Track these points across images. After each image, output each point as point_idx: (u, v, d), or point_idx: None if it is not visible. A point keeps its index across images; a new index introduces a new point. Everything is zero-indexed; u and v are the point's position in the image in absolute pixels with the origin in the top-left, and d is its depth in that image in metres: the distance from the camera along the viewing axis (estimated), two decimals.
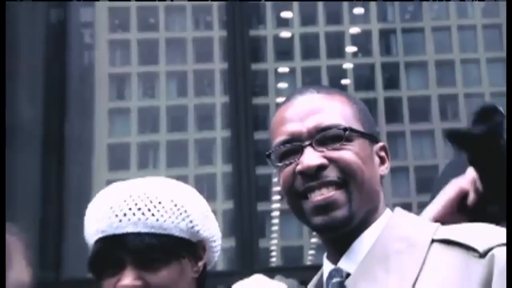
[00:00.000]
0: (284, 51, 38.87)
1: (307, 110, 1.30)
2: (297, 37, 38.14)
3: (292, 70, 37.65)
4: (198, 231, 1.53)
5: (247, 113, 5.59)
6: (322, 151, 1.26)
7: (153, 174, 1.81)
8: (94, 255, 1.49)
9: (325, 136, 1.26)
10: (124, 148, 36.56)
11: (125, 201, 1.46)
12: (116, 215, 1.44)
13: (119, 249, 1.43)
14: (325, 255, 1.38)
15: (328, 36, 38.48)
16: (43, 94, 20.62)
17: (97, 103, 30.60)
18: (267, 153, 1.38)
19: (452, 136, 1.58)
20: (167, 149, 37.45)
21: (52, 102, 20.67)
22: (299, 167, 1.26)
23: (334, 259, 1.33)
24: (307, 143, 1.27)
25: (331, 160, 1.25)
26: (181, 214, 1.49)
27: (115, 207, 1.46)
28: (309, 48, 38.87)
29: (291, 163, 1.28)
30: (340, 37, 38.48)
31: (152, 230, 1.42)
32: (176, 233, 1.46)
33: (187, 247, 1.50)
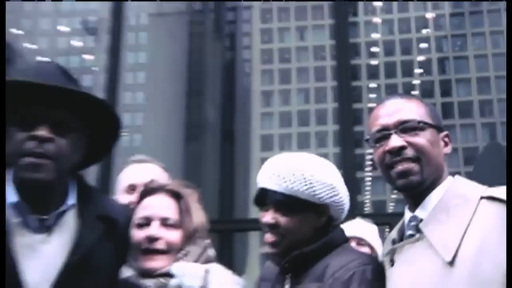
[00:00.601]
0: (373, 73, 52.65)
1: (393, 109, 1.77)
2: (382, 64, 52.14)
3: (379, 86, 51.60)
4: (319, 198, 1.88)
5: (349, 114, 6.61)
6: (403, 137, 1.70)
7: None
8: (254, 197, 2.04)
9: (405, 127, 1.71)
10: (269, 137, 51.83)
11: (274, 167, 1.96)
12: (268, 176, 1.94)
13: (265, 197, 1.94)
14: (406, 206, 1.86)
15: (403, 62, 51.90)
16: (221, 103, 34.28)
17: (253, 109, 45.77)
18: (365, 138, 1.87)
19: None
20: (298, 137, 52.59)
21: (226, 108, 34.06)
22: (387, 147, 1.70)
23: (412, 209, 1.80)
24: (393, 131, 1.71)
25: (409, 143, 1.70)
26: (306, 184, 1.87)
27: (269, 171, 1.96)
28: (390, 71, 52.40)
29: (382, 145, 1.73)
30: (411, 63, 52.05)
31: (284, 191, 1.87)
32: (302, 196, 1.87)
33: (310, 207, 1.89)
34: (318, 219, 1.89)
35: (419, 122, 1.70)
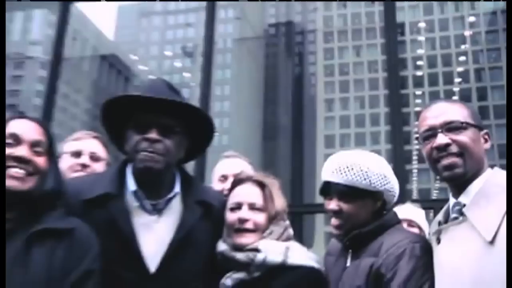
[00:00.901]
0: (418, 82, 55.90)
1: (439, 112, 1.85)
2: (426, 74, 55.50)
3: (423, 93, 54.87)
4: (374, 187, 2.03)
5: (398, 117, 6.63)
6: (448, 135, 1.78)
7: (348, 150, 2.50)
8: (320, 189, 2.19)
9: (450, 127, 1.79)
10: (332, 137, 56.39)
11: (336, 163, 2.12)
12: (331, 171, 2.10)
13: (329, 188, 2.11)
14: (450, 194, 1.93)
15: (444, 73, 55.08)
16: (291, 109, 39.62)
17: (318, 113, 50.55)
18: (416, 136, 1.93)
19: None
20: (355, 137, 57.04)
21: (296, 113, 39.47)
22: (435, 144, 1.79)
23: (456, 196, 1.89)
24: (439, 131, 1.80)
25: (453, 141, 1.77)
26: (363, 175, 2.03)
27: (331, 166, 2.12)
28: (432, 80, 55.66)
29: (429, 142, 1.82)
30: (451, 73, 55.11)
31: (345, 183, 2.03)
32: (360, 186, 2.02)
33: (367, 194, 2.05)
34: (374, 204, 2.07)
35: (462, 122, 1.81)
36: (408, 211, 3.69)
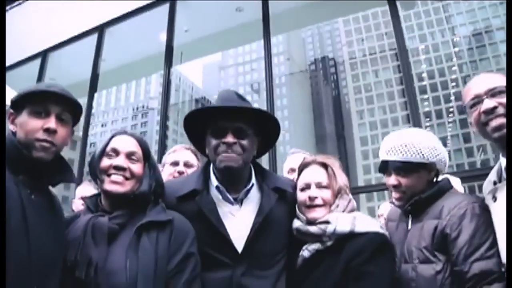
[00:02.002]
0: (423, 90, 55.36)
1: (482, 81, 1.58)
2: (428, 84, 55.11)
3: (428, 98, 54.03)
4: (427, 159, 1.74)
5: (414, 118, 4.84)
6: (493, 99, 1.51)
7: None
8: (379, 167, 1.85)
9: (494, 92, 1.52)
10: (364, 138, 57.40)
11: (390, 143, 1.81)
12: (387, 151, 1.81)
13: (387, 166, 1.81)
14: (500, 154, 1.57)
15: (440, 82, 55.15)
16: (334, 120, 41.67)
17: (353, 121, 52.11)
18: (463, 105, 1.62)
19: None
20: (381, 136, 57.32)
21: (337, 123, 41.48)
22: (482, 109, 1.51)
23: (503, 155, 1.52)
24: (485, 97, 1.52)
25: (499, 103, 1.49)
26: (416, 151, 1.74)
27: (387, 146, 1.81)
28: (433, 88, 55.24)
29: (476, 109, 1.53)
30: (446, 81, 55.08)
31: (401, 160, 1.74)
32: (414, 160, 1.73)
33: (421, 166, 1.75)
34: (429, 174, 1.77)
35: (504, 86, 1.52)
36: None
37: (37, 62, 7.66)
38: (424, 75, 56.31)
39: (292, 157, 2.81)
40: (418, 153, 1.75)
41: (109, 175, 1.53)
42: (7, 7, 7.07)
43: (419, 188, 1.76)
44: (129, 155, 1.58)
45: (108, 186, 1.52)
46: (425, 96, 54.12)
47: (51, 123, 1.36)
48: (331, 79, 50.06)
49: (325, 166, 1.79)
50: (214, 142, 1.70)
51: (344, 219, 1.66)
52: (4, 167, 1.30)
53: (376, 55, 60.75)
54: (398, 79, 56.40)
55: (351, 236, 1.63)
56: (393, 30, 5.34)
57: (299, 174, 1.87)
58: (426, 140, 1.80)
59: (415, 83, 57.84)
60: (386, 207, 3.48)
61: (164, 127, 6.25)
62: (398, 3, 5.38)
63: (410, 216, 1.81)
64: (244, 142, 1.69)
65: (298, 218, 1.76)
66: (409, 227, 1.79)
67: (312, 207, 1.73)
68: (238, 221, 1.69)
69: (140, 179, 1.58)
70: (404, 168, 1.76)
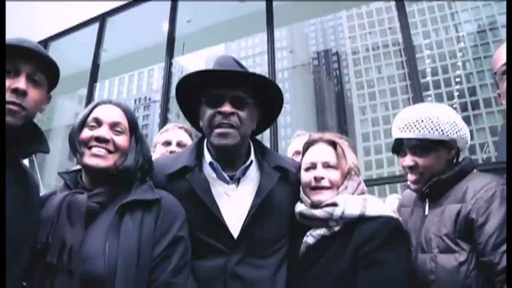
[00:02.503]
0: (425, 87, 53.99)
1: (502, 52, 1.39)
2: (430, 81, 54.85)
3: (430, 95, 53.68)
4: (447, 135, 1.55)
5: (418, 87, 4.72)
6: None
7: None
8: (392, 147, 1.70)
9: None
10: (366, 134, 57.63)
11: (404, 119, 1.62)
12: (401, 128, 1.62)
13: (401, 145, 1.63)
14: None
15: (444, 79, 54.19)
16: (336, 115, 41.71)
17: (355, 117, 52.27)
18: (494, 71, 1.45)
19: None
20: (384, 132, 57.22)
21: (339, 118, 41.40)
22: None
23: None
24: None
25: None
26: (434, 126, 1.56)
27: (401, 123, 1.63)
28: (436, 85, 54.73)
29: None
30: (449, 79, 54.33)
31: (417, 137, 1.57)
32: (432, 137, 1.55)
33: (440, 144, 1.57)
34: (449, 153, 1.60)
35: None
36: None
37: None
38: (428, 70, 55.79)
39: (297, 139, 2.61)
40: (436, 129, 1.57)
41: (89, 148, 1.36)
42: None
43: (438, 168, 1.59)
44: (113, 126, 1.40)
45: (89, 160, 1.34)
46: (428, 93, 51.94)
47: (21, 83, 1.19)
48: (334, 74, 50.02)
49: (333, 144, 1.63)
50: (208, 112, 1.51)
51: (353, 202, 1.49)
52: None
53: (379, 50, 60.57)
54: (401, 75, 56.31)
55: (361, 220, 1.46)
56: (399, 25, 5.23)
57: (303, 153, 1.70)
58: (445, 114, 1.61)
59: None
60: (393, 200, 3.38)
61: (165, 119, 6.13)
62: None
63: (427, 200, 1.62)
64: (243, 113, 1.50)
65: (302, 201, 1.60)
66: (426, 212, 1.61)
67: (317, 189, 1.56)
68: (234, 202, 1.51)
69: (125, 153, 1.40)
70: (421, 146, 1.58)
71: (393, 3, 5.29)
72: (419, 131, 1.57)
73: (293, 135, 2.71)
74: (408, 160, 1.61)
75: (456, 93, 54.31)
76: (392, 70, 58.78)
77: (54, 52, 7.63)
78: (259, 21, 5.95)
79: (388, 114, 58.91)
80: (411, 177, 1.64)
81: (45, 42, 7.59)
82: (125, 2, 6.88)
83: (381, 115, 59.45)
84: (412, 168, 1.61)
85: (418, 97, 5.00)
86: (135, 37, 7.13)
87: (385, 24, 59.81)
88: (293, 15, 7.34)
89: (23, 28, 6.81)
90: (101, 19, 7.15)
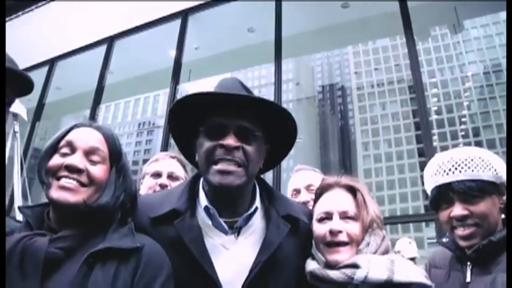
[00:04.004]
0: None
1: None
2: (434, 120, 54.58)
3: (433, 134, 53.55)
4: (500, 176, 1.35)
5: (430, 151, 4.58)
6: None
7: None
8: (433, 197, 1.44)
9: None
10: (369, 170, 56.59)
11: (451, 161, 1.38)
12: (447, 170, 1.38)
13: (449, 192, 1.37)
14: None
15: (448, 118, 54.33)
16: (339, 150, 41.80)
17: (358, 152, 51.90)
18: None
19: None
20: (386, 169, 56.21)
21: (343, 153, 41.44)
22: None
23: None
24: None
25: None
26: (487, 165, 1.35)
27: (444, 167, 1.40)
28: (440, 124, 54.50)
29: None
30: (453, 118, 54.15)
31: (469, 178, 1.32)
32: (485, 178, 1.32)
33: (494, 187, 1.33)
34: (500, 200, 1.35)
35: None
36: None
37: (44, 69, 7.64)
38: (434, 109, 56.07)
39: (296, 175, 2.27)
40: (489, 168, 1.34)
41: (58, 178, 1.09)
42: (20, 13, 7.11)
43: (494, 219, 1.32)
44: (89, 153, 1.14)
45: (55, 193, 1.07)
46: (432, 131, 51.78)
47: None
48: (338, 109, 50.54)
49: (352, 190, 1.36)
50: (207, 144, 1.23)
51: (378, 263, 1.23)
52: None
53: (384, 87, 61.34)
54: (405, 112, 56.67)
55: (388, 286, 1.20)
56: (410, 62, 5.27)
57: (316, 199, 1.43)
58: (492, 154, 1.40)
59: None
60: (404, 244, 3.19)
61: (166, 145, 6.01)
62: (413, 26, 5.32)
63: (469, 264, 1.35)
64: (250, 147, 1.23)
65: (314, 258, 1.32)
66: (468, 279, 1.34)
67: (333, 246, 1.28)
68: (233, 257, 1.23)
69: (101, 188, 1.13)
70: (477, 188, 1.32)
71: (399, 41, 5.60)
72: (472, 170, 1.33)
73: (294, 170, 2.37)
74: (459, 209, 1.34)
75: (460, 133, 54.38)
76: (397, 107, 58.76)
77: (61, 71, 7.66)
78: (266, 51, 5.92)
79: (391, 151, 59.38)
80: (463, 231, 1.35)
81: (52, 61, 7.62)
82: (135, 25, 6.92)
83: (383, 151, 59.59)
84: (464, 219, 1.34)
85: (426, 134, 4.96)
86: (142, 61, 7.15)
87: (390, 62, 60.65)
88: (301, 47, 7.49)
89: (33, 45, 6.96)
90: (109, 41, 7.18)
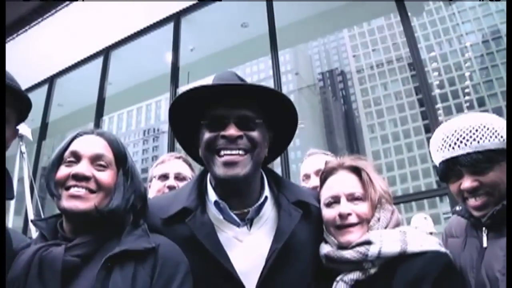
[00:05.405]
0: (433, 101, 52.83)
1: None
2: (437, 95, 54.06)
3: (439, 108, 52.74)
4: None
5: (426, 128, 5.19)
6: None
7: None
8: (441, 172, 1.37)
9: None
10: (377, 152, 56.33)
11: (453, 135, 1.31)
12: (452, 144, 1.31)
13: (454, 167, 1.31)
14: None
15: (451, 92, 53.94)
16: (344, 134, 41.56)
17: (364, 135, 51.84)
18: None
19: None
20: (394, 149, 55.76)
21: (349, 137, 41.49)
22: None
23: None
24: None
25: None
26: (493, 134, 1.28)
27: (449, 141, 1.32)
28: (444, 98, 53.98)
29: None
30: (456, 91, 54.04)
31: (476, 149, 1.26)
32: (492, 147, 1.26)
33: (501, 154, 1.27)
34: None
35: None
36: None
37: (44, 88, 7.71)
38: (435, 83, 55.81)
39: (308, 160, 2.25)
40: (496, 136, 1.29)
41: (67, 188, 1.12)
42: (14, 35, 7.16)
43: (505, 185, 1.26)
44: (95, 160, 1.17)
45: (66, 203, 1.10)
46: (437, 106, 51.51)
47: None
48: (340, 94, 50.27)
49: (356, 170, 1.38)
50: (208, 135, 1.24)
51: (390, 237, 1.25)
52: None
53: (383, 67, 60.91)
54: (407, 90, 56.35)
55: (402, 258, 1.21)
56: (406, 39, 5.23)
57: (322, 184, 1.43)
58: (497, 119, 1.34)
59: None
60: (419, 220, 3.19)
61: (172, 150, 6.02)
62: (406, 3, 5.26)
63: (484, 229, 1.32)
64: (254, 133, 1.24)
65: (327, 242, 1.34)
66: (485, 244, 1.31)
67: (344, 228, 1.30)
68: (248, 249, 1.25)
69: (110, 192, 1.16)
70: (485, 159, 1.27)
71: (394, 20, 5.57)
72: (478, 142, 1.29)
73: (306, 154, 2.34)
74: (469, 181, 1.30)
75: (465, 105, 53.92)
76: (398, 86, 58.35)
77: (61, 88, 7.71)
78: (262, 45, 5.93)
79: (398, 131, 59.20)
80: (475, 202, 1.32)
81: (51, 79, 7.69)
82: (128, 34, 6.96)
83: (390, 132, 59.41)
84: (476, 190, 1.30)
85: (431, 110, 4.89)
86: (139, 68, 7.18)
87: (387, 41, 60.21)
88: (296, 36, 7.44)
89: (29, 66, 7.04)
90: (105, 52, 7.21)
